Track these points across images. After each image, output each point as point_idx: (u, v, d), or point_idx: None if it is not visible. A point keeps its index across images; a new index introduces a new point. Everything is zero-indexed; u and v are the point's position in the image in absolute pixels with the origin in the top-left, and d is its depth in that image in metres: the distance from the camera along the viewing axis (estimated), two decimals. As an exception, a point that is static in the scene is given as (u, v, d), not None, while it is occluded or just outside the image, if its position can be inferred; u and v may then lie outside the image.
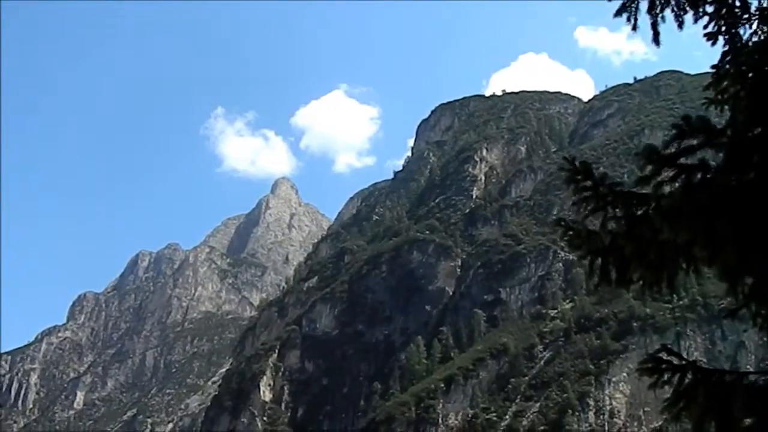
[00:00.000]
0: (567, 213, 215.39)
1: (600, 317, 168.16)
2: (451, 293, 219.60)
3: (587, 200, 8.92)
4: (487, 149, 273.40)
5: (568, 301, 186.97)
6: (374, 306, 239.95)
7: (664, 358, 8.98)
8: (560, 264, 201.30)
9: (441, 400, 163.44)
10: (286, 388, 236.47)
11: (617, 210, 8.86)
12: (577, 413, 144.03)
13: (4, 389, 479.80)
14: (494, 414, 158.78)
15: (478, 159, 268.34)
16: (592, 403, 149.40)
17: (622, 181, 9.76)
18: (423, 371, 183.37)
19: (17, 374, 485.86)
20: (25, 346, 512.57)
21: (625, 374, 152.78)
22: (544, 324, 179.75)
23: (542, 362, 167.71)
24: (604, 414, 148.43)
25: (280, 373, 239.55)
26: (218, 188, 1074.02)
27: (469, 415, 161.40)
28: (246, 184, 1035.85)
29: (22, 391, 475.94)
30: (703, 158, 8.38)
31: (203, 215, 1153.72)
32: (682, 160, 8.37)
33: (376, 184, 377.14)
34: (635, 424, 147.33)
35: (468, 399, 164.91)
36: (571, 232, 8.98)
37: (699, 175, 8.25)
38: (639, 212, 8.59)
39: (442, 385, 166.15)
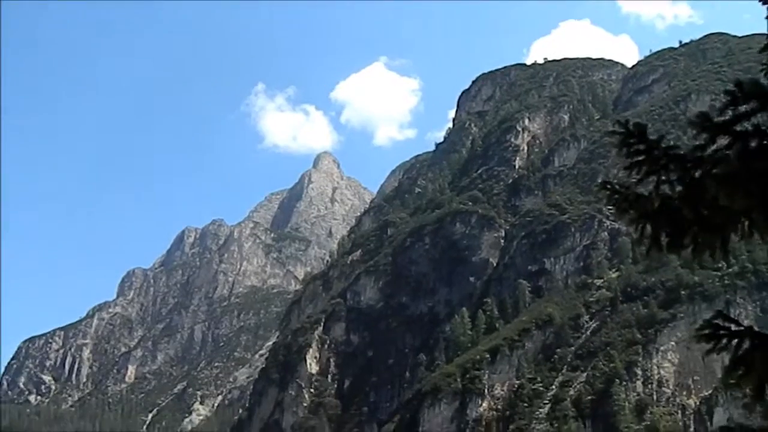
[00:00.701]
0: (612, 181, 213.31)
1: (647, 286, 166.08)
2: (495, 264, 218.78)
3: (640, 164, 8.68)
4: (529, 118, 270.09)
5: (614, 270, 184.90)
6: (418, 278, 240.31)
7: (721, 324, 8.77)
8: (606, 233, 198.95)
9: (486, 371, 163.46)
10: (332, 360, 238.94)
11: (671, 174, 8.63)
12: (624, 383, 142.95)
13: (58, 364, 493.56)
14: (540, 384, 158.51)
15: (520, 128, 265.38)
16: (639, 372, 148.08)
17: (676, 145, 9.51)
18: (468, 342, 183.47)
19: (70, 349, 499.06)
20: (77, 321, 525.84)
21: (673, 343, 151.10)
22: (589, 294, 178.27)
23: (588, 332, 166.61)
24: (652, 383, 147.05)
25: (326, 346, 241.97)
26: (261, 164, 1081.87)
27: (515, 386, 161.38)
28: (288, 159, 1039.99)
29: (76, 366, 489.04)
30: (758, 124, 8.14)
31: (247, 191, 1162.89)
32: (737, 127, 8.13)
33: (417, 156, 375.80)
34: (684, 393, 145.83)
35: (514, 369, 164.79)
36: (617, 196, 8.75)
37: (755, 142, 8.02)
38: (695, 176, 8.35)
39: (488, 356, 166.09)
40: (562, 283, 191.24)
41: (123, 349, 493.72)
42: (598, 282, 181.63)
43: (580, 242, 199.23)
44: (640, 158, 8.73)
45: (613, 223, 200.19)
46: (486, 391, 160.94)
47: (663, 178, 8.63)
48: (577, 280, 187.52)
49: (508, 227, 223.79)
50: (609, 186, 8.87)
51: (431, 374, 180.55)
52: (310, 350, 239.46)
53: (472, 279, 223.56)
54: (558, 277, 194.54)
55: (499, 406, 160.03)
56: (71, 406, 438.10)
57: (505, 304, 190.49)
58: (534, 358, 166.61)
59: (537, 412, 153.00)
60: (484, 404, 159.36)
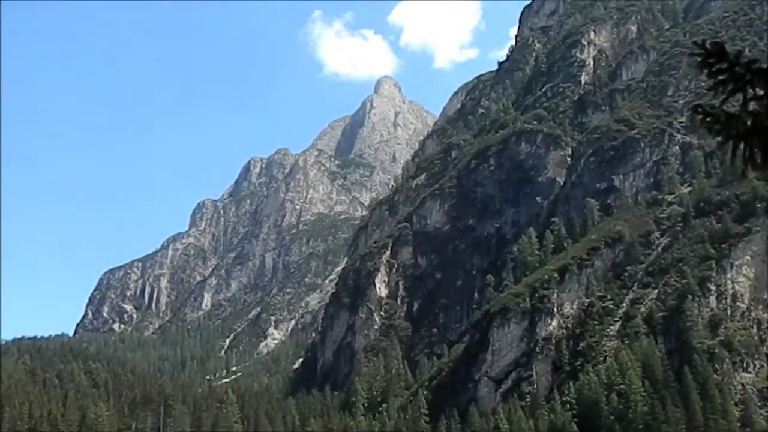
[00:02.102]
0: (683, 94, 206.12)
1: (721, 200, 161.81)
2: (561, 183, 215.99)
3: (724, 83, 8.32)
4: (594, 32, 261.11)
5: (686, 185, 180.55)
6: (484, 200, 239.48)
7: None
8: (677, 147, 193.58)
9: (555, 290, 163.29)
10: (400, 283, 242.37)
11: (757, 89, 8.26)
12: (697, 298, 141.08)
13: (138, 293, 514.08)
14: (610, 302, 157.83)
15: (585, 43, 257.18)
16: (713, 287, 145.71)
17: (757, 58, 9.06)
18: (536, 262, 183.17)
19: (148, 279, 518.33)
20: (153, 253, 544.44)
21: (748, 257, 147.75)
22: (660, 210, 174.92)
23: (659, 249, 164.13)
24: (726, 298, 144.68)
25: (394, 270, 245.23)
26: (322, 92, 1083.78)
27: (585, 304, 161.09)
28: (349, 85, 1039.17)
29: (155, 295, 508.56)
30: None
31: (310, 119, 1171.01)
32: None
33: (479, 76, 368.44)
34: (759, 307, 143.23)
35: (583, 288, 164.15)
36: (709, 118, 8.42)
37: None
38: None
39: (556, 275, 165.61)
40: (632, 200, 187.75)
41: (198, 278, 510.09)
42: (670, 198, 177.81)
43: (650, 158, 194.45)
44: (723, 77, 8.37)
45: (684, 136, 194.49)
46: (555, 310, 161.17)
47: (750, 95, 8.28)
48: (648, 196, 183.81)
49: (574, 145, 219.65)
50: (700, 108, 8.53)
51: (500, 295, 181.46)
52: (379, 274, 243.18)
53: (538, 199, 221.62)
54: (627, 194, 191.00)
55: (569, 325, 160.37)
56: (153, 333, 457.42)
57: (573, 223, 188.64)
58: (603, 276, 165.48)
59: (607, 330, 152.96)
60: (554, 323, 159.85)
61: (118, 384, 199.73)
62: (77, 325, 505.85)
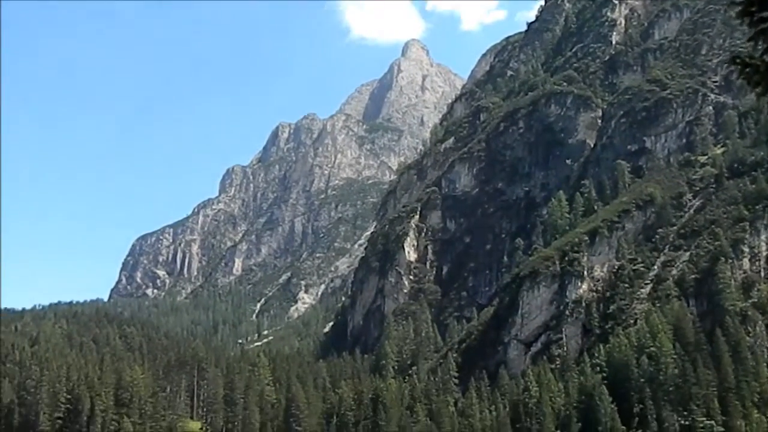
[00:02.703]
0: (717, 52, 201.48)
1: (755, 161, 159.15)
2: (592, 145, 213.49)
3: (765, 33, 8.03)
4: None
5: (719, 145, 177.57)
6: (513, 163, 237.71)
7: None
8: (710, 107, 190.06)
9: (585, 253, 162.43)
10: (429, 247, 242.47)
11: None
12: (730, 260, 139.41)
13: (170, 259, 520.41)
14: (641, 265, 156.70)
15: (616, 1, 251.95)
16: (746, 249, 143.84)
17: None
18: (566, 225, 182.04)
19: (180, 245, 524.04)
20: (184, 219, 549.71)
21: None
22: (693, 171, 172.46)
23: (692, 210, 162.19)
24: (759, 260, 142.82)
25: (423, 234, 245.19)
26: (349, 56, 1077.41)
27: (615, 267, 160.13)
28: (376, 49, 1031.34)
29: (186, 260, 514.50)
30: None
31: (337, 84, 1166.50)
32: None
33: (508, 38, 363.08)
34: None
35: (613, 251, 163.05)
36: (747, 69, 8.13)
37: None
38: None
39: (586, 238, 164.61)
40: (664, 161, 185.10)
41: (229, 244, 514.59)
42: (702, 159, 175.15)
43: (682, 118, 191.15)
44: (765, 26, 8.07)
45: (718, 96, 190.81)
46: (585, 273, 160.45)
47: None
48: (680, 157, 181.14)
49: (605, 106, 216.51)
50: (738, 60, 8.25)
51: (529, 258, 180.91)
52: (408, 239, 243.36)
53: (568, 161, 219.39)
54: (659, 156, 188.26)
55: (599, 288, 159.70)
56: (185, 298, 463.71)
57: (604, 186, 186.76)
58: (634, 238, 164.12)
59: (638, 293, 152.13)
60: (584, 286, 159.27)
61: (152, 347, 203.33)
62: (111, 290, 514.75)
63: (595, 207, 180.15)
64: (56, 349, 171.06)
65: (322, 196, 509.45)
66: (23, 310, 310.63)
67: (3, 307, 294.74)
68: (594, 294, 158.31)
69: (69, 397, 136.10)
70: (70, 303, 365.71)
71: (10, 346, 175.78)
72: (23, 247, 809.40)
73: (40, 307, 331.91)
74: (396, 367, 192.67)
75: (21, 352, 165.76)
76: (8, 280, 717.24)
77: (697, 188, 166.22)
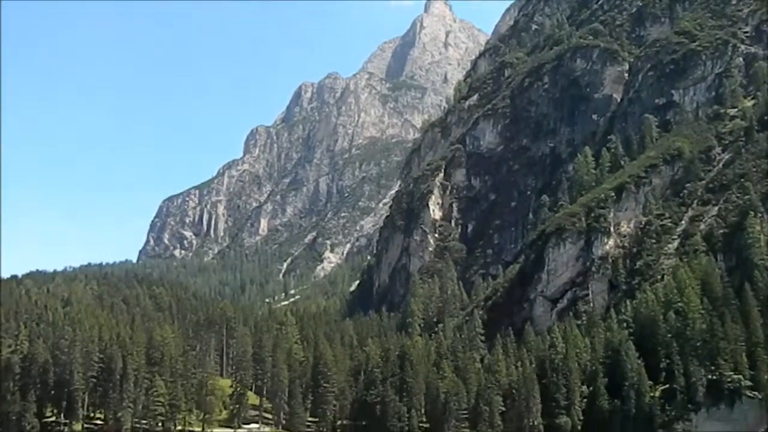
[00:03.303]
0: (747, 2, 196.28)
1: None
2: (619, 100, 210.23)
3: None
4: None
5: (749, 98, 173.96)
6: (538, 119, 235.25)
7: None
8: (740, 59, 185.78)
9: (612, 209, 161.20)
10: (454, 205, 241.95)
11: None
12: (759, 215, 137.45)
13: (196, 220, 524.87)
14: (669, 220, 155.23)
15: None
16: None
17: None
18: (592, 181, 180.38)
19: (206, 206, 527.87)
20: (209, 180, 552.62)
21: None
22: (722, 124, 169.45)
23: (720, 164, 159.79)
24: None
25: (448, 192, 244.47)
26: (371, 14, 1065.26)
27: (642, 223, 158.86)
28: (398, 7, 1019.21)
29: (213, 221, 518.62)
30: None
31: (359, 42, 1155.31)
32: None
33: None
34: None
35: (640, 206, 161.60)
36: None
37: None
38: None
39: (613, 194, 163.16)
40: (692, 115, 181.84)
41: (254, 204, 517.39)
42: (732, 111, 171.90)
43: (711, 70, 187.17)
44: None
45: (749, 47, 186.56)
46: (611, 229, 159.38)
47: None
48: (709, 110, 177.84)
49: (632, 60, 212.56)
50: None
51: (555, 215, 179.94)
52: (433, 197, 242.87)
53: (594, 117, 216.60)
54: (687, 109, 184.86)
55: (626, 244, 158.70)
56: (212, 258, 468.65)
57: (631, 141, 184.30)
58: (662, 193, 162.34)
59: (665, 248, 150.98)
60: (610, 242, 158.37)
61: (181, 308, 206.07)
62: (140, 251, 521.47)
63: (622, 162, 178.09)
64: (88, 309, 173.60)
65: (346, 156, 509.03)
66: (55, 271, 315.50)
67: (35, 268, 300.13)
68: (620, 250, 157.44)
69: (102, 356, 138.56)
70: (100, 265, 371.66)
71: (43, 307, 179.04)
72: (54, 210, 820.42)
73: (71, 269, 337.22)
74: (422, 325, 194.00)
75: (54, 313, 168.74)
76: (40, 242, 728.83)
77: (726, 142, 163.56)
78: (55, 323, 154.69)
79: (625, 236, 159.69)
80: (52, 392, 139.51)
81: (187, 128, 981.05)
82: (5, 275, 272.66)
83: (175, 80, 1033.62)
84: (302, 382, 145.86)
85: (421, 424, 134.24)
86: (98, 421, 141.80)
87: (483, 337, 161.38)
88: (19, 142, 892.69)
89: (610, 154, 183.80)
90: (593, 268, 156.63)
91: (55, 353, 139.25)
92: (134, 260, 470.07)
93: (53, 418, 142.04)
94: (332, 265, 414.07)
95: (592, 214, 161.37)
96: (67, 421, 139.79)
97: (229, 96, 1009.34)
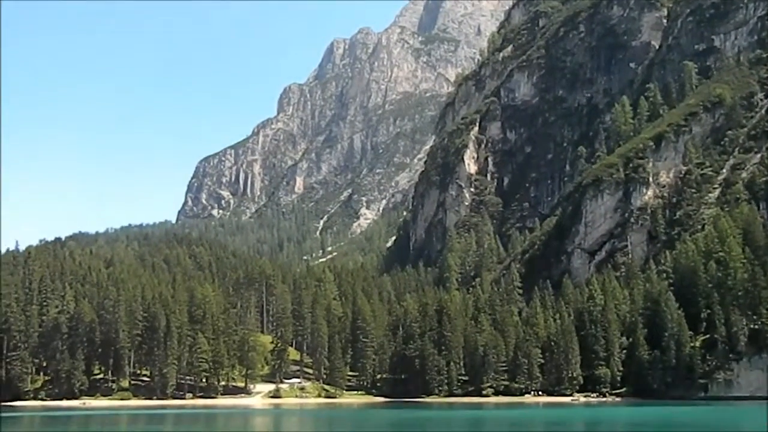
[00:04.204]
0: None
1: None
2: (657, 47, 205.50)
3: None
4: None
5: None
6: (574, 69, 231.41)
7: None
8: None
9: (650, 159, 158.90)
10: (489, 159, 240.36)
11: None
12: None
13: (233, 179, 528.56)
14: (709, 169, 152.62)
15: None
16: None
17: None
18: (630, 131, 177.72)
19: (242, 166, 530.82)
20: (244, 139, 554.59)
21: None
22: (765, 69, 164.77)
23: (763, 110, 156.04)
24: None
25: (483, 145, 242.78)
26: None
27: (682, 172, 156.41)
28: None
29: (249, 180, 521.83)
30: None
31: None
32: None
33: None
34: None
35: (680, 155, 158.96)
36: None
37: None
38: None
39: (652, 143, 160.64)
40: (734, 60, 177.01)
41: (289, 162, 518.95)
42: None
43: (754, 13, 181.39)
44: None
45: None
46: (650, 179, 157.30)
47: None
48: (751, 55, 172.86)
49: (671, 5, 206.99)
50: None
51: (592, 166, 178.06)
52: (468, 151, 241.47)
53: (632, 65, 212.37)
54: (728, 55, 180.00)
55: (665, 194, 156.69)
56: (249, 217, 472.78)
57: (670, 89, 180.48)
58: (702, 142, 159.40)
59: (706, 197, 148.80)
60: (649, 192, 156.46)
61: (221, 266, 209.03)
62: (178, 212, 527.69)
63: (661, 111, 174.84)
64: (130, 270, 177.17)
65: (380, 112, 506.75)
66: (97, 233, 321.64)
67: (78, 230, 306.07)
68: (660, 200, 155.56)
69: (145, 315, 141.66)
70: (140, 226, 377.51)
71: (87, 268, 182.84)
72: (95, 172, 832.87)
73: (113, 230, 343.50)
74: (459, 279, 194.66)
75: (97, 274, 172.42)
76: (82, 204, 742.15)
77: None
78: (99, 283, 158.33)
79: (664, 186, 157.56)
80: (99, 350, 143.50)
81: (221, 88, 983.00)
82: (49, 238, 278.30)
83: (208, 40, 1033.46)
84: (341, 337, 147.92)
85: (460, 377, 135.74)
86: (145, 378, 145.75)
87: (520, 291, 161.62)
88: (59, 106, 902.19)
89: (649, 103, 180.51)
90: (632, 219, 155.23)
91: (101, 313, 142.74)
92: (173, 221, 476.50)
93: (101, 376, 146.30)
94: (368, 221, 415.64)
95: (631, 165, 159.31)
96: (115, 378, 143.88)
97: (261, 55, 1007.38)
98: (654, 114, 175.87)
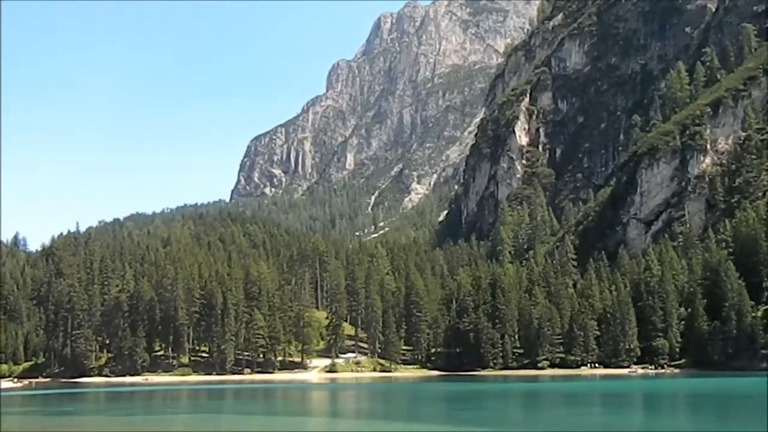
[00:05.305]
0: None
1: None
2: (713, 10, 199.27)
3: None
4: None
5: None
6: (627, 35, 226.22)
7: None
8: None
9: (708, 126, 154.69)
10: (541, 130, 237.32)
11: None
12: None
13: (284, 158, 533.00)
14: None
15: None
16: None
17: None
18: (686, 97, 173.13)
19: (293, 144, 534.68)
20: (294, 118, 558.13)
21: None
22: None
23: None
24: None
25: (534, 116, 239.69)
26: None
27: (741, 138, 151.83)
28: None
29: (300, 158, 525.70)
30: None
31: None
32: None
33: None
34: None
35: (739, 121, 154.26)
36: None
37: None
38: None
39: (709, 109, 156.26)
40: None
41: (339, 139, 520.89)
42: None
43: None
44: None
45: None
46: (708, 146, 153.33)
47: None
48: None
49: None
50: None
51: (647, 134, 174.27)
52: (519, 122, 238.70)
53: (687, 29, 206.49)
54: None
55: (723, 161, 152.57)
56: (301, 194, 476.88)
57: (727, 53, 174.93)
58: (762, 107, 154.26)
59: (766, 163, 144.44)
60: (707, 160, 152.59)
61: (274, 244, 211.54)
62: (232, 191, 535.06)
63: (718, 76, 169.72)
64: (186, 248, 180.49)
65: (429, 85, 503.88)
66: (153, 213, 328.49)
67: (135, 211, 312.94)
68: (718, 168, 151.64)
69: (203, 292, 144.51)
70: (195, 205, 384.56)
71: (145, 247, 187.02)
72: (150, 153, 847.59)
73: (169, 210, 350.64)
74: (512, 252, 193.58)
75: (155, 253, 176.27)
76: (138, 185, 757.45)
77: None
78: (157, 262, 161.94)
79: (722, 153, 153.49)
80: (159, 328, 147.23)
81: (270, 67, 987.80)
82: (108, 219, 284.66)
83: (256, 20, 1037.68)
84: (395, 312, 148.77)
85: (515, 350, 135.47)
86: (204, 354, 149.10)
87: (575, 263, 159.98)
88: (118, 95, 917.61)
89: (705, 68, 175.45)
90: (689, 188, 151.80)
91: (159, 291, 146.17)
92: (227, 199, 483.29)
93: (162, 352, 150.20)
94: (419, 196, 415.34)
95: (687, 132, 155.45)
96: (175, 354, 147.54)
97: (309, 32, 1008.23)
98: (711, 79, 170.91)
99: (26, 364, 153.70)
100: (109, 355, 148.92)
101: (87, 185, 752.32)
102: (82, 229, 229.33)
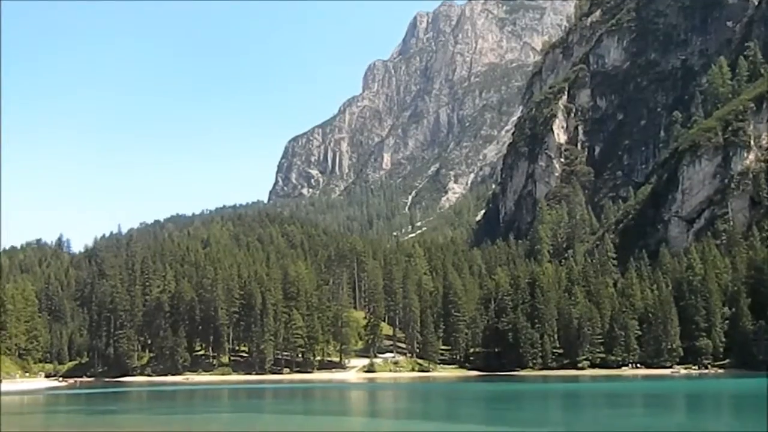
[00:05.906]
0: None
1: None
2: (756, 3, 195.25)
3: None
4: None
5: None
6: (667, 30, 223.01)
7: None
8: None
9: (751, 121, 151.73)
10: (579, 128, 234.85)
11: None
12: None
13: (321, 158, 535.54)
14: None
15: None
16: None
17: None
18: (728, 93, 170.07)
19: (330, 144, 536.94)
20: (331, 118, 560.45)
21: None
22: None
23: None
24: None
25: (572, 114, 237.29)
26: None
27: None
28: None
29: (337, 158, 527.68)
30: None
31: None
32: None
33: None
34: None
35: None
36: None
37: None
38: None
39: (752, 104, 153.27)
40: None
41: (376, 139, 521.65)
42: None
43: None
44: None
45: None
46: (751, 142, 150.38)
47: None
48: None
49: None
50: None
51: (688, 131, 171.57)
52: (557, 120, 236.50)
53: (729, 23, 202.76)
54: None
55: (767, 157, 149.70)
56: (339, 195, 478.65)
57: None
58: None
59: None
60: (750, 156, 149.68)
61: (312, 244, 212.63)
62: (270, 191, 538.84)
63: (762, 70, 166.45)
64: (226, 249, 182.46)
65: (465, 84, 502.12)
66: (193, 215, 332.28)
67: (175, 213, 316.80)
68: (762, 164, 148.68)
69: (242, 293, 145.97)
70: (234, 206, 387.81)
71: (185, 248, 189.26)
72: (190, 155, 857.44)
73: (208, 211, 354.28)
74: (551, 251, 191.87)
75: (195, 254, 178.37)
76: (178, 188, 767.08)
77: None
78: (197, 263, 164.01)
79: (766, 149, 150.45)
80: (200, 328, 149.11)
81: (307, 68, 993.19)
82: (149, 220, 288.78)
83: (292, 21, 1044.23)
84: (433, 311, 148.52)
85: (554, 350, 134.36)
86: (243, 354, 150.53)
87: (615, 261, 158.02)
88: (157, 97, 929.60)
89: (748, 63, 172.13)
90: (732, 185, 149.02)
91: (200, 291, 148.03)
92: (265, 200, 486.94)
93: (202, 352, 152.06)
94: (457, 195, 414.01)
95: (730, 128, 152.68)
96: (215, 354, 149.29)
97: (345, 33, 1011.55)
98: (754, 74, 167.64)
99: (71, 364, 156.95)
100: (151, 354, 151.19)
101: (128, 187, 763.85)
102: (124, 230, 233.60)
